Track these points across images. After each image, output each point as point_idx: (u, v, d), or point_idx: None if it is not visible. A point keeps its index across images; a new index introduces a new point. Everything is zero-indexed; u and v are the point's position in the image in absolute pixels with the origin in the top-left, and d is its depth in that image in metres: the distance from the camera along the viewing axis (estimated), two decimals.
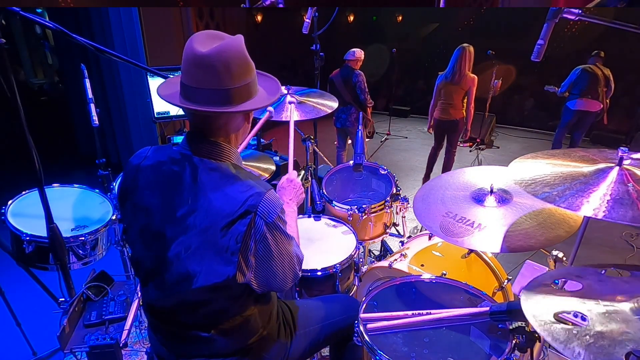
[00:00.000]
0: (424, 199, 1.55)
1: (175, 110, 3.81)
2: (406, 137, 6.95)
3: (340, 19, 8.78)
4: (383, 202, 2.13)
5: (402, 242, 2.13)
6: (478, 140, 6.07)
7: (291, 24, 4.47)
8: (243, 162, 1.20)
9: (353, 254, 1.81)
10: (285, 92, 2.12)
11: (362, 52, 4.08)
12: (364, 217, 2.07)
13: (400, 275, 1.63)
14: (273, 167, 2.27)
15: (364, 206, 2.08)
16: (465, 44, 3.83)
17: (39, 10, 5.57)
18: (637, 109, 6.17)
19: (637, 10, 4.23)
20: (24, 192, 2.00)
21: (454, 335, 1.33)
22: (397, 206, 2.19)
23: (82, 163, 4.18)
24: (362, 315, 1.33)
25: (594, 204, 1.02)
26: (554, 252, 1.38)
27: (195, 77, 1.01)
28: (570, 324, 0.87)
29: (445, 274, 1.52)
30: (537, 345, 1.20)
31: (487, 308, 1.21)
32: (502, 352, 1.17)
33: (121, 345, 1.59)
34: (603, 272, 1.05)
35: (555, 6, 1.29)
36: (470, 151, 6.09)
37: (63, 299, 1.81)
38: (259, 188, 1.04)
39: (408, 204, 2.17)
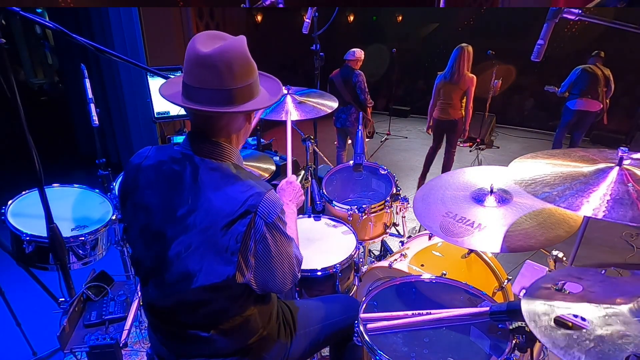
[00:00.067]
0: (424, 199, 1.55)
1: (176, 111, 3.81)
2: (406, 137, 6.95)
3: (340, 19, 8.78)
4: (383, 202, 2.13)
5: (402, 242, 2.13)
6: (478, 140, 6.07)
7: (291, 24, 4.46)
8: (243, 162, 1.20)
9: (353, 254, 1.81)
10: (286, 92, 2.12)
11: (362, 52, 4.08)
12: (364, 217, 2.07)
13: (400, 275, 1.63)
14: (273, 167, 2.27)
15: (364, 206, 2.08)
16: (464, 44, 3.83)
17: (39, 10, 5.57)
18: (637, 109, 6.17)
19: (637, 10, 4.23)
20: (24, 192, 2.00)
21: (454, 335, 1.33)
22: (397, 206, 2.19)
23: (82, 163, 4.18)
24: (362, 315, 1.33)
25: (594, 204, 1.02)
26: (554, 252, 1.38)
27: (198, 77, 1.01)
28: (571, 324, 0.87)
29: (445, 274, 1.52)
30: (537, 345, 1.20)
31: (487, 308, 1.21)
32: (502, 352, 1.17)
33: (121, 345, 1.58)
34: (603, 272, 1.05)
35: (555, 6, 1.29)
36: (470, 151, 6.09)
37: (63, 299, 1.81)
38: (259, 188, 1.04)
39: (408, 204, 2.17)
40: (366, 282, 1.89)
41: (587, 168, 1.16)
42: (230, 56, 1.00)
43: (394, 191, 2.18)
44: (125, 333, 1.68)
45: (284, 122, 1.98)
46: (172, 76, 1.73)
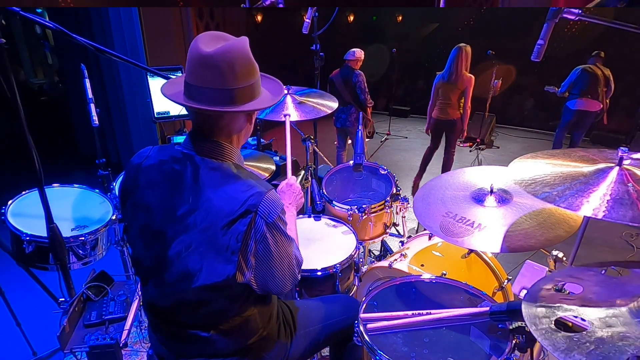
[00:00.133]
0: (424, 199, 1.55)
1: (176, 111, 3.81)
2: (406, 137, 6.95)
3: (340, 19, 8.78)
4: (383, 202, 2.13)
5: (402, 242, 2.13)
6: (478, 140, 6.07)
7: (291, 24, 4.47)
8: (244, 162, 1.20)
9: (353, 254, 1.81)
10: (286, 91, 2.12)
11: (362, 52, 4.08)
12: (364, 217, 2.07)
13: (400, 275, 1.63)
14: (273, 167, 2.28)
15: (364, 206, 2.08)
16: (462, 44, 3.84)
17: (39, 10, 5.57)
18: (637, 109, 6.17)
19: (637, 10, 4.23)
20: (24, 192, 2.00)
21: (454, 335, 1.33)
22: (397, 206, 2.19)
23: (82, 163, 4.17)
24: (362, 315, 1.33)
25: (594, 204, 1.02)
26: (554, 252, 1.38)
27: (200, 76, 1.02)
28: (571, 324, 0.87)
29: (445, 274, 1.52)
30: (537, 345, 1.20)
31: (487, 308, 1.21)
32: (502, 352, 1.17)
33: (121, 345, 1.58)
34: (603, 272, 1.05)
35: (555, 6, 1.29)
36: (470, 151, 6.09)
37: (63, 299, 1.81)
38: (259, 188, 1.04)
39: (408, 204, 2.17)
40: (366, 282, 1.89)
41: (587, 168, 1.16)
42: (233, 56, 1.01)
43: (394, 191, 2.18)
44: (125, 333, 1.68)
45: (284, 122, 1.98)
46: (172, 76, 1.73)
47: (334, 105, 2.15)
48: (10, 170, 3.08)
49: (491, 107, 5.75)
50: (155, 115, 3.79)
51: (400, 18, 8.79)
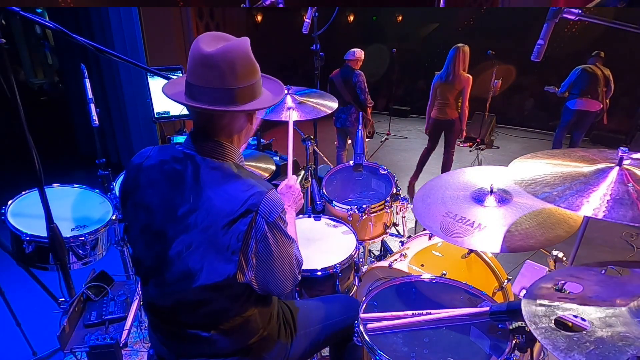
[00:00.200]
0: (424, 199, 1.55)
1: (176, 111, 3.82)
2: (406, 137, 6.95)
3: (340, 19, 8.78)
4: (383, 202, 2.13)
5: (402, 242, 2.13)
6: (478, 140, 6.07)
7: (291, 24, 4.47)
8: (244, 162, 1.20)
9: (353, 254, 1.81)
10: (286, 91, 2.12)
11: (362, 52, 4.08)
12: (364, 217, 2.07)
13: (400, 275, 1.63)
14: (273, 167, 2.28)
15: (364, 206, 2.08)
16: (460, 44, 3.85)
17: (39, 10, 5.58)
18: (637, 109, 6.17)
19: (637, 10, 4.23)
20: (24, 192, 2.00)
21: (454, 335, 1.33)
22: (397, 206, 2.19)
23: (82, 163, 4.18)
24: (362, 315, 1.33)
25: (594, 204, 1.02)
26: (554, 252, 1.38)
27: (201, 76, 1.02)
28: (571, 324, 0.87)
29: (445, 274, 1.52)
30: (537, 345, 1.20)
31: (487, 308, 1.21)
32: (502, 352, 1.17)
33: (121, 345, 1.58)
34: (603, 272, 1.05)
35: (555, 6, 1.29)
36: (470, 151, 6.09)
37: (63, 299, 1.81)
38: (260, 187, 1.04)
39: (408, 203, 2.17)
40: (366, 282, 1.89)
41: (587, 168, 1.16)
42: (233, 56, 1.01)
43: (394, 191, 2.18)
44: (125, 333, 1.68)
45: (284, 122, 1.98)
46: (172, 76, 1.73)
47: (334, 105, 2.15)
48: (10, 170, 3.08)
49: (491, 107, 5.75)
50: (155, 115, 3.80)
51: (400, 18, 8.79)
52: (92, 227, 1.93)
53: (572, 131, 5.06)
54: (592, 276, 1.04)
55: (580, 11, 1.27)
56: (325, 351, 1.78)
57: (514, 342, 1.16)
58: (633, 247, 3.46)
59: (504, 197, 1.44)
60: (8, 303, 2.04)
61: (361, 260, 2.19)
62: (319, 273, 1.70)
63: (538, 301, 0.96)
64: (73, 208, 2.05)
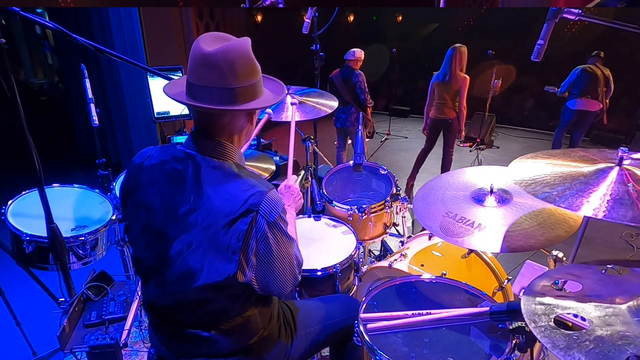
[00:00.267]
0: (424, 199, 1.55)
1: (176, 111, 3.82)
2: (406, 137, 6.95)
3: (340, 19, 8.78)
4: (383, 202, 2.13)
5: (402, 242, 2.13)
6: (478, 140, 6.07)
7: (291, 24, 4.47)
8: (245, 162, 1.20)
9: (353, 254, 1.81)
10: (286, 92, 2.11)
11: (362, 52, 4.08)
12: (364, 217, 2.07)
13: (400, 275, 1.63)
14: (273, 167, 2.28)
15: (364, 206, 2.08)
16: (457, 44, 3.86)
17: (39, 10, 5.57)
18: (637, 109, 6.17)
19: (637, 10, 4.23)
20: (24, 192, 2.00)
21: (454, 335, 1.33)
22: (397, 206, 2.19)
23: (82, 163, 4.17)
24: (362, 315, 1.33)
25: (594, 204, 1.02)
26: (554, 252, 1.38)
27: (201, 75, 1.03)
28: (571, 324, 0.87)
29: (445, 274, 1.52)
30: (537, 345, 1.20)
31: (487, 308, 1.21)
32: (502, 352, 1.17)
33: (121, 345, 1.58)
34: (603, 271, 1.05)
35: (555, 6, 1.29)
36: (470, 151, 6.09)
37: (63, 299, 1.81)
38: (260, 187, 1.04)
39: (408, 203, 2.17)
40: (366, 282, 1.89)
41: (587, 168, 1.16)
42: (233, 56, 1.01)
43: (394, 191, 2.18)
44: (125, 333, 1.68)
45: (284, 123, 1.97)
46: (172, 76, 1.73)
47: (334, 105, 2.15)
48: (10, 170, 3.08)
49: (491, 107, 5.75)
50: (155, 115, 3.80)
51: (400, 18, 8.79)
52: (92, 227, 1.93)
53: (572, 131, 5.06)
54: (591, 275, 1.04)
55: (580, 11, 1.27)
56: (325, 351, 1.78)
57: (514, 342, 1.16)
58: (633, 247, 3.46)
59: (504, 197, 1.44)
60: (8, 303, 2.04)
61: (361, 260, 2.19)
62: (319, 273, 1.70)
63: (537, 299, 0.96)
64: (73, 208, 2.05)
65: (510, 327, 1.16)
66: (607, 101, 4.75)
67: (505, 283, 1.73)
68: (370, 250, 2.87)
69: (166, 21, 4.31)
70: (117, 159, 4.86)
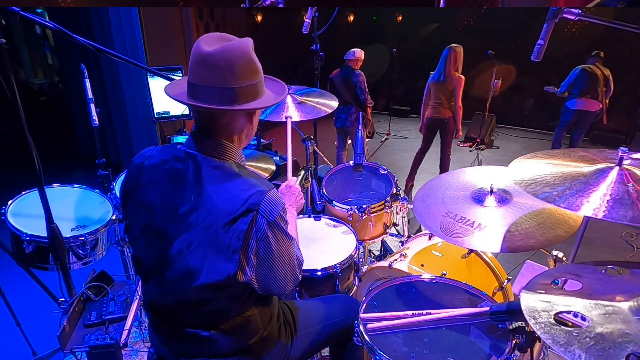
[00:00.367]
0: (424, 199, 1.55)
1: (176, 111, 3.82)
2: (406, 137, 6.95)
3: (340, 19, 8.78)
4: (383, 202, 2.13)
5: (402, 242, 2.13)
6: (478, 140, 6.07)
7: (291, 24, 4.47)
8: (245, 162, 1.20)
9: (353, 254, 1.81)
10: (287, 92, 2.11)
11: (362, 52, 4.08)
12: (364, 217, 2.06)
13: (400, 275, 1.63)
14: (273, 167, 2.28)
15: (364, 206, 2.08)
16: (453, 45, 3.88)
17: (39, 10, 5.58)
18: (637, 109, 6.17)
19: (637, 10, 4.23)
20: (24, 192, 1.99)
21: (454, 335, 1.33)
22: (397, 206, 2.19)
23: (82, 163, 4.17)
24: (362, 315, 1.33)
25: (594, 204, 1.02)
26: (554, 252, 1.38)
27: (201, 75, 1.03)
28: (571, 324, 0.87)
29: (445, 274, 1.52)
30: (537, 345, 1.20)
31: (487, 308, 1.21)
32: (502, 352, 1.17)
33: (121, 345, 1.58)
34: (603, 271, 1.05)
35: (555, 6, 1.29)
36: (470, 151, 6.09)
37: (63, 299, 1.81)
38: (261, 187, 1.04)
39: (408, 203, 2.17)
40: (366, 282, 1.89)
41: (587, 168, 1.16)
42: (232, 56, 1.01)
43: (394, 191, 2.17)
44: (125, 333, 1.68)
45: (284, 123, 1.98)
46: (172, 76, 1.73)
47: (334, 105, 2.15)
48: (10, 170, 3.08)
49: (491, 107, 5.75)
50: (155, 115, 3.80)
51: (400, 18, 8.79)
52: (92, 227, 1.93)
53: (571, 131, 5.07)
54: (591, 274, 1.05)
55: (580, 11, 1.27)
56: (325, 351, 1.78)
57: (514, 342, 1.16)
58: (633, 247, 3.46)
59: (504, 197, 1.44)
60: (8, 303, 2.04)
61: (361, 260, 2.19)
62: (319, 273, 1.70)
63: (537, 297, 0.96)
64: (73, 208, 2.05)
65: (510, 327, 1.16)
66: (607, 101, 4.75)
67: (505, 283, 1.73)
68: (370, 250, 2.87)
69: (166, 21, 4.31)
70: (117, 159, 4.86)
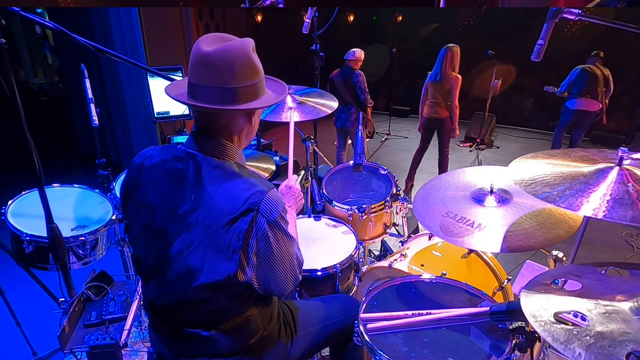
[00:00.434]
0: (424, 199, 1.55)
1: (176, 111, 3.81)
2: (406, 137, 6.96)
3: (340, 19, 8.78)
4: (383, 202, 2.13)
5: (402, 242, 2.13)
6: (478, 140, 6.07)
7: (291, 24, 4.47)
8: (246, 162, 1.20)
9: (353, 254, 1.81)
10: (287, 92, 2.11)
11: (362, 52, 4.08)
12: (364, 217, 2.06)
13: (400, 275, 1.63)
14: (273, 167, 2.28)
15: (364, 206, 2.08)
16: (450, 44, 3.90)
17: (39, 10, 5.58)
18: (637, 109, 6.17)
19: (637, 10, 4.23)
20: (24, 192, 2.00)
21: (454, 335, 1.33)
22: (397, 206, 2.19)
23: (82, 163, 4.18)
24: (362, 315, 1.33)
25: (594, 204, 1.02)
26: (554, 252, 1.38)
27: (200, 75, 1.03)
28: (571, 324, 0.87)
29: (445, 274, 1.52)
30: (537, 345, 1.20)
31: (487, 308, 1.21)
32: (502, 352, 1.17)
33: (121, 345, 1.58)
34: (603, 271, 1.05)
35: (555, 6, 1.29)
36: (470, 151, 6.09)
37: (63, 299, 1.81)
38: (261, 186, 1.04)
39: (408, 203, 2.17)
40: (366, 282, 1.89)
41: (587, 168, 1.16)
42: (231, 56, 1.01)
43: (394, 191, 2.18)
44: (125, 333, 1.68)
45: (284, 123, 1.97)
46: (172, 76, 1.73)
47: (334, 105, 2.15)
48: (10, 170, 3.08)
49: (491, 107, 5.75)
50: (155, 115, 3.79)
51: (400, 18, 8.80)
52: (92, 227, 1.93)
53: (571, 131, 5.07)
54: (591, 275, 1.05)
55: (580, 11, 1.27)
56: (325, 351, 1.78)
57: (514, 342, 1.16)
58: (633, 247, 3.46)
59: (504, 197, 1.44)
60: (8, 303, 2.04)
61: (361, 260, 2.19)
62: (319, 273, 1.70)
63: (537, 295, 0.96)
64: (73, 208, 2.05)
65: (510, 327, 1.16)
66: (607, 101, 4.75)
67: (505, 283, 1.73)
68: (370, 250, 2.87)
69: (166, 21, 4.31)
70: (117, 159, 4.86)
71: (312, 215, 2.14)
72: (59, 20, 4.28)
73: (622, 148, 1.14)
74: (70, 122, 5.12)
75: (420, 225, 2.83)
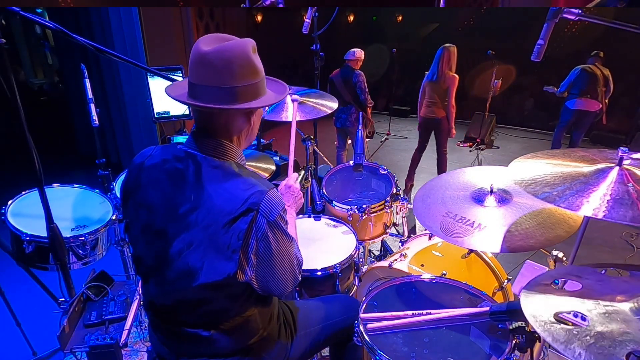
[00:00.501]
0: (424, 199, 1.55)
1: (176, 111, 3.81)
2: (406, 137, 6.95)
3: (340, 19, 8.78)
4: (383, 202, 2.13)
5: (402, 242, 2.13)
6: (478, 140, 6.07)
7: (291, 24, 4.47)
8: (246, 162, 1.20)
9: (353, 254, 1.81)
10: (287, 92, 2.11)
11: (362, 52, 4.09)
12: (364, 217, 2.07)
13: (400, 275, 1.63)
14: (273, 167, 2.28)
15: (364, 206, 2.08)
16: (447, 44, 3.91)
17: (39, 10, 5.58)
18: (637, 109, 6.17)
19: (637, 10, 4.23)
20: (24, 192, 2.00)
21: (454, 335, 1.33)
22: (397, 206, 2.19)
23: (82, 163, 4.18)
24: (362, 315, 1.33)
25: (594, 204, 1.02)
26: (554, 252, 1.38)
27: (199, 74, 1.03)
28: (571, 324, 0.87)
29: (445, 274, 1.52)
30: (537, 345, 1.20)
31: (487, 308, 1.21)
32: (502, 352, 1.17)
33: (121, 345, 1.58)
34: (603, 272, 1.06)
35: (555, 6, 1.29)
36: (470, 151, 6.09)
37: (63, 299, 1.81)
38: (261, 186, 1.04)
39: (408, 203, 2.17)
40: (366, 282, 1.89)
41: (587, 168, 1.16)
42: (230, 55, 1.01)
43: (394, 191, 2.18)
44: (125, 333, 1.68)
45: (284, 123, 1.97)
46: (172, 76, 1.73)
47: (334, 105, 2.15)
48: (10, 170, 3.08)
49: (491, 107, 5.75)
50: (155, 115, 3.79)
51: (400, 18, 8.80)
52: (92, 227, 1.93)
53: (571, 131, 5.07)
54: (591, 275, 1.05)
55: (580, 11, 1.27)
56: (325, 351, 1.78)
57: (514, 342, 1.16)
58: (633, 247, 3.46)
59: (504, 197, 1.44)
60: (8, 303, 2.04)
61: (361, 260, 2.19)
62: (319, 273, 1.70)
63: (537, 295, 0.96)
64: (73, 208, 2.05)
65: (510, 327, 1.16)
66: (607, 101, 4.76)
67: (505, 283, 1.73)
68: (370, 250, 2.87)
69: (166, 21, 4.31)
70: (117, 159, 4.86)
71: (312, 215, 2.14)
72: (59, 20, 4.28)
73: (622, 148, 1.14)
74: (70, 122, 5.12)
75: (418, 224, 2.82)
